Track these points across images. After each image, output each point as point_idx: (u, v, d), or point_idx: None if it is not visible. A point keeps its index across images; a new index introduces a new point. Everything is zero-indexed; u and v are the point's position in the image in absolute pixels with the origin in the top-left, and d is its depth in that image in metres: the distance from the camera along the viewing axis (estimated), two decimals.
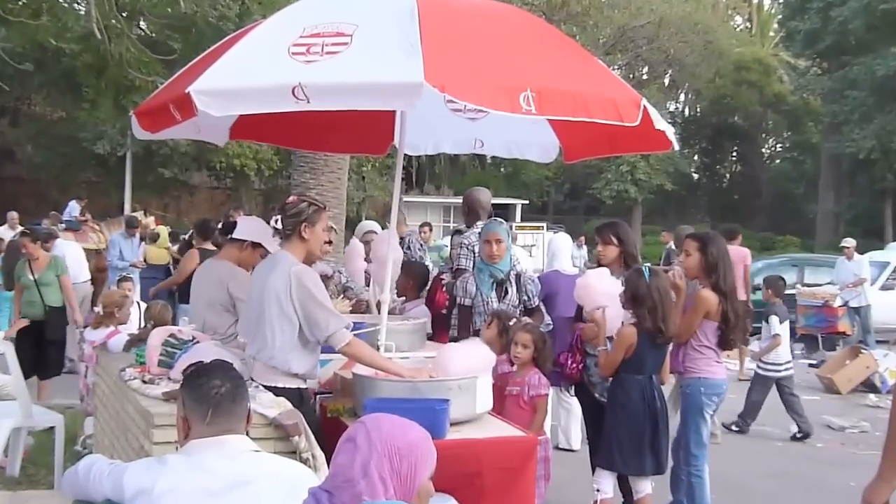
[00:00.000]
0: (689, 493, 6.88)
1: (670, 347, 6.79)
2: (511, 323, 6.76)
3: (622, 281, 6.69)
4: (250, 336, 5.55)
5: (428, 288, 8.51)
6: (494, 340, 6.66)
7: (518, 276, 7.36)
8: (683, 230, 12.53)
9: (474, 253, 7.91)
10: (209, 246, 11.56)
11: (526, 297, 7.33)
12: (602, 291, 6.68)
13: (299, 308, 5.29)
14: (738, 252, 15.07)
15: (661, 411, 6.53)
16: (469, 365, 5.43)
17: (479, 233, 7.71)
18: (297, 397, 5.35)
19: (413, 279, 8.22)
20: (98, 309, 8.96)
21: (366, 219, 35.10)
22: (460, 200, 8.98)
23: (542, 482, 6.43)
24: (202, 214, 35.67)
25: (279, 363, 5.34)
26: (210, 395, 3.35)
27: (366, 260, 7.99)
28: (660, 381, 6.65)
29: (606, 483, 6.61)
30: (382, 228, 9.12)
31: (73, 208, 21.61)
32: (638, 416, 6.44)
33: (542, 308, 7.52)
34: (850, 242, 18.60)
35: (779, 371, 11.22)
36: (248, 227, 6.61)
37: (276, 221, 5.54)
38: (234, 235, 6.56)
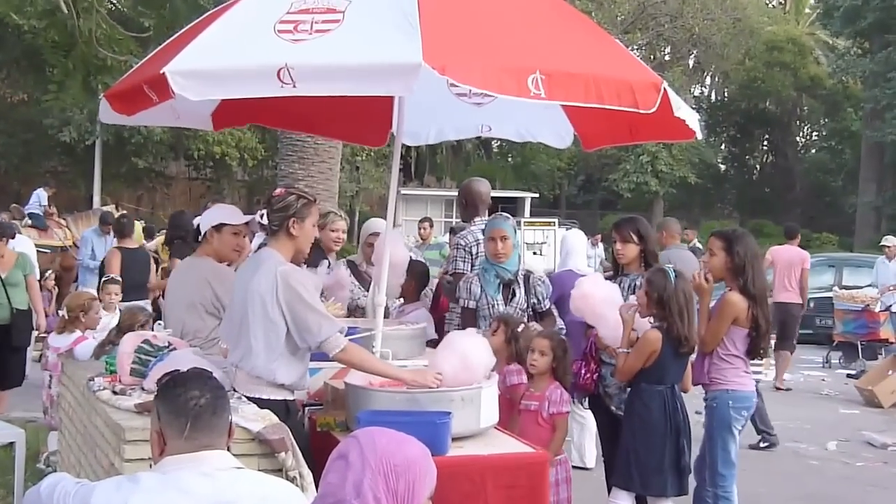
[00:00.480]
0: None
1: (693, 356, 6.78)
2: (519, 329, 6.74)
3: (640, 282, 6.68)
4: (232, 342, 5.55)
5: (433, 290, 8.49)
6: (501, 348, 6.65)
7: (527, 277, 7.34)
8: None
9: (472, 254, 7.88)
10: (129, 244, 12.12)
11: (535, 300, 7.31)
12: (602, 299, 6.68)
13: (287, 311, 5.29)
14: (798, 253, 15.64)
15: (683, 425, 6.53)
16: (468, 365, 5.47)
17: (483, 230, 7.69)
18: (284, 410, 5.35)
19: (414, 279, 8.18)
20: (63, 312, 8.94)
21: (359, 213, 35.22)
22: None
23: None
24: (179, 207, 35.72)
25: (263, 372, 5.35)
26: (188, 407, 3.35)
27: (369, 263, 7.92)
28: (682, 389, 6.66)
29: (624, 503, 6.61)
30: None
31: (41, 197, 21.40)
32: (658, 430, 6.44)
33: (555, 311, 7.50)
34: (891, 241, 18.60)
35: None
36: (207, 217, 6.62)
37: (262, 216, 5.54)
38: (201, 233, 6.55)
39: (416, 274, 8.24)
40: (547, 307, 7.38)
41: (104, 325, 8.82)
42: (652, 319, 6.52)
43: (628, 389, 6.70)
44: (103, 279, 11.54)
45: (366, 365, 5.47)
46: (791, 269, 15.48)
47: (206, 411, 3.35)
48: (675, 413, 6.49)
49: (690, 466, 6.72)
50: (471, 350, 5.59)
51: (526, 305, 7.24)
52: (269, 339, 5.33)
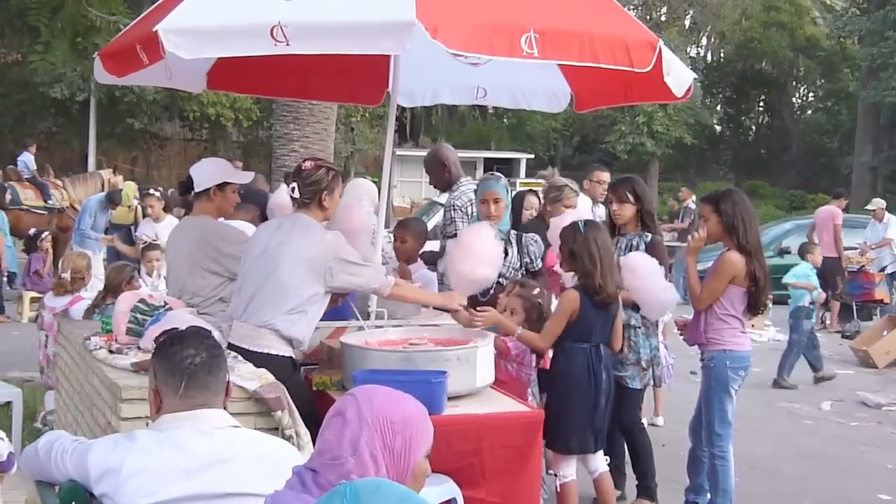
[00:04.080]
0: (712, 476, 6.88)
1: (619, 311, 6.69)
2: (534, 292, 6.68)
3: (637, 242, 6.67)
4: (246, 297, 5.56)
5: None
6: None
7: (519, 237, 7.33)
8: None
9: (468, 214, 7.94)
10: None
11: (528, 259, 7.30)
12: (646, 272, 6.66)
13: (341, 274, 5.48)
14: (831, 212, 18.10)
15: (605, 385, 6.41)
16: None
17: (475, 190, 7.72)
18: (290, 366, 5.46)
19: (412, 240, 8.10)
20: (66, 275, 8.88)
21: (355, 175, 35.14)
22: (460, 155, 8.82)
23: None
24: (174, 169, 35.70)
25: (282, 325, 5.41)
26: (183, 366, 3.36)
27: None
28: (611, 349, 6.59)
29: (566, 465, 6.49)
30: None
31: (29, 161, 21.28)
32: (581, 388, 6.32)
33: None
34: (878, 203, 18.77)
35: None
36: (204, 172, 6.48)
37: (294, 190, 5.59)
38: (196, 189, 6.46)
39: (414, 234, 8.15)
40: (539, 266, 7.35)
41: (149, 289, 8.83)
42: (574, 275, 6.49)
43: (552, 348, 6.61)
44: (143, 245, 11.55)
45: (412, 295, 6.13)
46: (825, 226, 17.81)
47: (202, 370, 3.36)
48: (598, 372, 6.37)
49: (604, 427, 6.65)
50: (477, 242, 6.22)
51: (519, 265, 7.24)
52: (300, 297, 5.43)
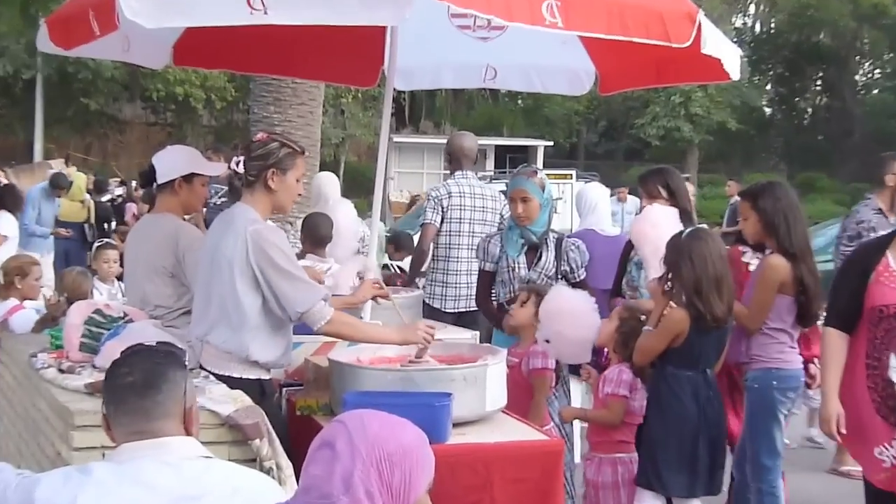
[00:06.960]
0: None
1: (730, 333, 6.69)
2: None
3: None
4: (199, 313, 5.54)
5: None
6: (529, 323, 6.64)
7: (559, 241, 7.30)
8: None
9: (442, 206, 8.40)
10: None
11: (568, 268, 7.24)
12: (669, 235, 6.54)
13: (261, 278, 5.26)
14: None
15: (718, 416, 6.43)
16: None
17: (459, 182, 8.32)
18: (258, 390, 5.35)
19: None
20: None
21: (345, 164, 35.14)
22: None
23: None
24: (135, 157, 35.73)
25: (234, 347, 5.35)
26: (114, 388, 3.36)
27: None
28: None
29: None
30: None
31: None
32: (688, 421, 6.29)
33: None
34: None
35: None
36: (169, 161, 6.45)
37: (238, 164, 5.47)
38: (158, 181, 6.41)
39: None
40: (581, 277, 7.29)
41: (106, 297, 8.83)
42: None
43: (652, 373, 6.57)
44: (96, 244, 11.49)
45: (357, 335, 5.52)
46: None
47: (130, 392, 3.32)
48: (709, 402, 6.33)
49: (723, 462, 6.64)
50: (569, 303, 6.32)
51: (555, 271, 7.19)
52: (240, 309, 5.30)
